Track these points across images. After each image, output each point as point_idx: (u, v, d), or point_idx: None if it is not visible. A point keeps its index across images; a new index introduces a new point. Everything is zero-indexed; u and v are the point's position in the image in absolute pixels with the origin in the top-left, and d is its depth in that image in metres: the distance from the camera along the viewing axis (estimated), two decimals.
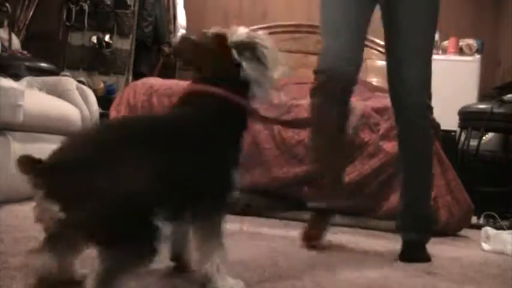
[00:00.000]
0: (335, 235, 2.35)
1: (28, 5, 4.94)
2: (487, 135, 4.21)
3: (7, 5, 4.20)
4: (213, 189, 1.25)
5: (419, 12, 1.97)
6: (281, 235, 2.26)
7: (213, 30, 1.35)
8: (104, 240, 1.03)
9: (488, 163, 4.01)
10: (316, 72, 2.01)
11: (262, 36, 1.36)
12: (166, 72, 4.95)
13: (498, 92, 4.38)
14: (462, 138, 4.00)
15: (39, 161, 1.04)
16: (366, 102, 3.02)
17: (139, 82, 3.27)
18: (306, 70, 3.22)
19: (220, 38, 1.33)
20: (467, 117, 3.92)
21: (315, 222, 2.08)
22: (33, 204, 1.07)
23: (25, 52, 4.13)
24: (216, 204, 1.27)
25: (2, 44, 3.93)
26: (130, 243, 1.04)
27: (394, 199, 2.60)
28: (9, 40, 4.08)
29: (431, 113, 2.03)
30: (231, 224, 2.27)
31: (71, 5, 4.85)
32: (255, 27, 4.14)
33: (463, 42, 4.81)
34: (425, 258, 1.96)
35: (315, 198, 2.13)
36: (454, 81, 4.50)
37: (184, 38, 1.44)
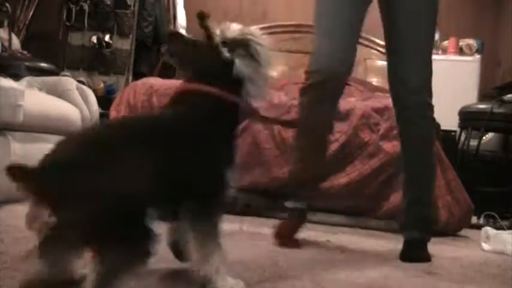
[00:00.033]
0: (335, 235, 2.35)
1: (28, 5, 4.94)
2: (487, 135, 4.20)
3: (7, 5, 4.19)
4: (207, 189, 1.24)
5: (419, 12, 1.97)
6: None
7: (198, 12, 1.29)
8: (97, 242, 1.02)
9: (488, 163, 4.01)
10: (307, 72, 2.00)
11: (255, 33, 1.34)
12: (166, 72, 4.94)
13: (498, 92, 4.38)
14: (462, 138, 3.99)
15: (28, 167, 1.02)
16: (366, 102, 3.02)
17: (139, 82, 3.27)
18: None
19: (207, 33, 1.29)
20: (467, 117, 3.92)
21: (291, 221, 2.08)
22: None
23: (25, 52, 4.12)
24: (210, 204, 1.26)
25: (2, 44, 3.93)
26: (124, 244, 1.03)
27: (394, 199, 2.60)
28: (9, 40, 4.08)
29: (433, 111, 2.03)
30: (231, 224, 2.28)
31: (71, 5, 4.85)
32: (255, 27, 4.13)
33: (463, 42, 4.81)
34: (426, 257, 1.96)
35: (294, 198, 2.11)
36: (454, 81, 4.49)
37: (172, 36, 1.37)
